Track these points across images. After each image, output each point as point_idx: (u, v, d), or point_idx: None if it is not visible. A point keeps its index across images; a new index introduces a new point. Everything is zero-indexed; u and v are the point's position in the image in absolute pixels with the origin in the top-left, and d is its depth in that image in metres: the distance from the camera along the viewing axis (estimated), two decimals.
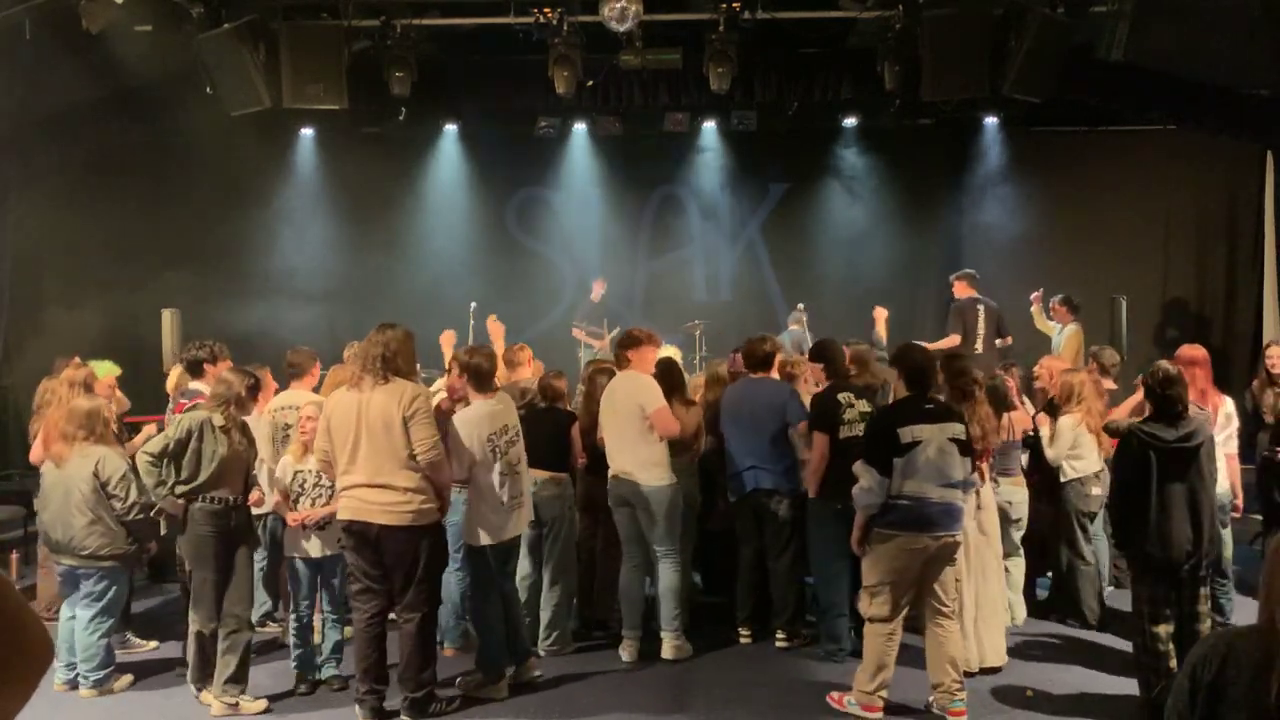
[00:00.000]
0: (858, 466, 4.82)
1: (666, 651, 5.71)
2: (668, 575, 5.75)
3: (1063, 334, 8.80)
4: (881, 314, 7.60)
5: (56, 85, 9.43)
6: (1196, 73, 9.25)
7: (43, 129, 9.65)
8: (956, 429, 4.80)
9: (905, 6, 8.44)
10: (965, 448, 4.81)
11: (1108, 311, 9.30)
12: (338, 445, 4.73)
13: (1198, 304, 10.87)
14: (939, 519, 4.70)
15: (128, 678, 5.44)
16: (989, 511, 5.53)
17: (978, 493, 5.43)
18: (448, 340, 7.21)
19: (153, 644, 6.03)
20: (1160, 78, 9.25)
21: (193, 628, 5.02)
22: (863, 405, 5.68)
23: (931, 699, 4.88)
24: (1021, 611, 6.20)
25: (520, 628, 5.33)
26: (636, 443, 5.59)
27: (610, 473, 5.73)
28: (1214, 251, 10.87)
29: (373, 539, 4.70)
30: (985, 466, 5.53)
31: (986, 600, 5.47)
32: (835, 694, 5.04)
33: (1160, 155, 10.85)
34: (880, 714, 4.89)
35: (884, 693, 4.87)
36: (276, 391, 6.21)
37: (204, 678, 5.01)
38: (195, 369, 6.02)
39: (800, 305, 10.20)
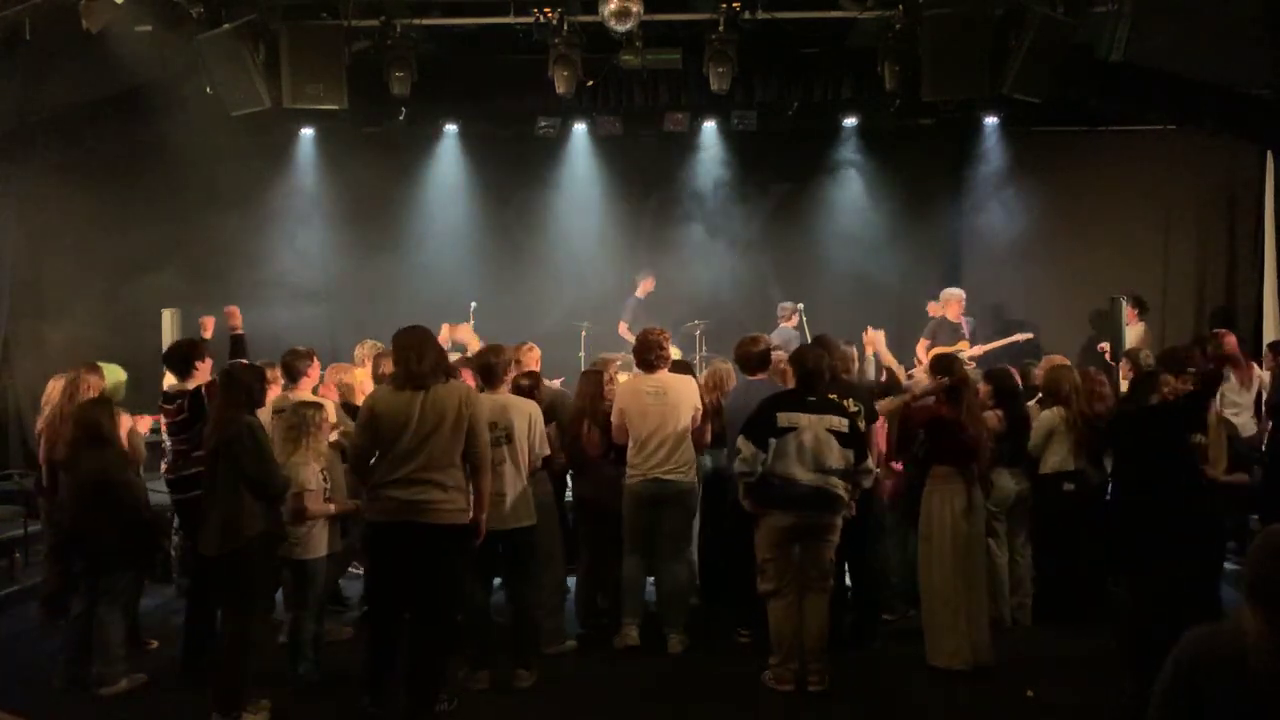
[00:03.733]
0: (740, 439, 5.26)
1: (673, 646, 5.84)
2: (680, 573, 5.92)
3: (1128, 335, 8.84)
4: (879, 338, 7.01)
5: (56, 85, 9.44)
6: (1196, 73, 9.24)
7: (43, 129, 9.65)
8: (836, 421, 5.21)
9: (905, 6, 8.43)
10: (848, 439, 5.20)
11: (1108, 311, 9.30)
12: (384, 441, 4.70)
13: (1198, 303, 10.85)
14: (806, 500, 5.14)
15: (140, 676, 5.44)
16: (978, 512, 5.59)
17: (970, 492, 5.50)
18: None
19: (153, 644, 6.03)
20: (1160, 78, 9.24)
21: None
22: (846, 405, 5.75)
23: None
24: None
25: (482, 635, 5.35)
26: (685, 443, 5.81)
27: (646, 474, 5.78)
28: (1214, 251, 10.85)
29: (407, 538, 4.68)
30: (975, 466, 5.59)
31: (975, 599, 5.53)
32: (766, 672, 5.31)
33: (1160, 155, 10.83)
34: (790, 687, 5.18)
35: (792, 665, 5.21)
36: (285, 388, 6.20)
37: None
38: (185, 369, 5.81)
39: (800, 305, 10.17)
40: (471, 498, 4.82)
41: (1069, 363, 6.89)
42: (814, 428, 5.15)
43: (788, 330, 9.95)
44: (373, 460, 4.78)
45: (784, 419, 5.17)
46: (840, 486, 5.19)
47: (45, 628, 6.25)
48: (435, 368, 4.77)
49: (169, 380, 7.11)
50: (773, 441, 5.14)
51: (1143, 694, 4.55)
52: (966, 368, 6.34)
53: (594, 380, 6.16)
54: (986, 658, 5.50)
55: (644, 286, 10.75)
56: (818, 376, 5.36)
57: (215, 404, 5.11)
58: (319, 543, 5.29)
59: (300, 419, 5.32)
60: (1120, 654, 5.15)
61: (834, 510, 5.22)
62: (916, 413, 5.78)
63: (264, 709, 4.89)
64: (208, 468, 4.95)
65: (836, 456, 5.16)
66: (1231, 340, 7.44)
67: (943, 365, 5.83)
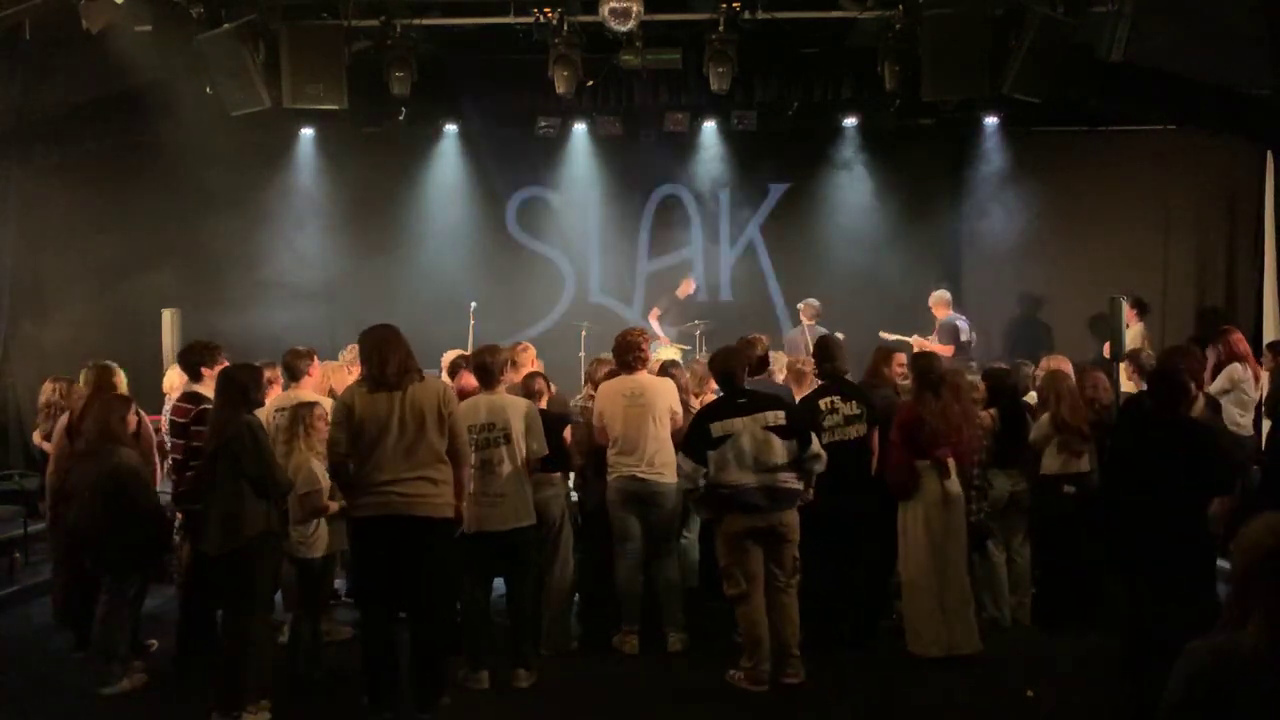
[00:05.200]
0: (679, 456, 5.40)
1: (674, 645, 5.85)
2: (671, 571, 5.92)
3: (1127, 335, 8.84)
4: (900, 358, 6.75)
5: (56, 85, 9.44)
6: (1196, 73, 9.24)
7: (43, 129, 9.66)
8: (772, 417, 5.19)
9: (905, 6, 8.42)
10: (789, 431, 5.19)
11: (1107, 311, 9.29)
12: (366, 442, 4.68)
13: (1198, 303, 10.85)
14: (760, 501, 5.14)
15: (141, 676, 5.44)
16: (955, 504, 5.64)
17: (944, 486, 5.58)
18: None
19: (153, 644, 6.02)
20: (1160, 78, 9.23)
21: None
22: (849, 408, 5.78)
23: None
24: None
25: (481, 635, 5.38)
26: (665, 443, 5.79)
27: (625, 473, 5.78)
28: (1214, 251, 10.85)
29: (400, 534, 4.67)
30: (950, 461, 5.65)
31: (952, 589, 5.59)
32: (732, 671, 5.33)
33: (1160, 155, 10.83)
34: (764, 687, 5.19)
35: (765, 666, 5.21)
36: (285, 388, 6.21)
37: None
38: (196, 372, 5.87)
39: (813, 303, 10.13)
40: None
41: (1068, 364, 6.87)
42: (749, 429, 5.16)
43: (812, 328, 9.83)
44: (350, 457, 4.75)
45: (718, 428, 5.18)
46: (791, 480, 5.21)
47: (56, 627, 6.27)
48: (403, 369, 4.73)
49: (168, 381, 7.12)
50: (711, 454, 5.15)
51: (1142, 694, 4.57)
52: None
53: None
54: (974, 647, 5.56)
55: (684, 288, 10.86)
56: (734, 377, 5.38)
57: (214, 405, 5.10)
58: (324, 541, 5.33)
59: (295, 417, 5.37)
60: (1120, 654, 5.14)
61: (788, 506, 5.24)
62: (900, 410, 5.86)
63: (264, 709, 4.88)
64: (207, 468, 4.95)
65: (779, 452, 5.16)
66: (1239, 337, 7.43)
67: (916, 364, 5.94)
